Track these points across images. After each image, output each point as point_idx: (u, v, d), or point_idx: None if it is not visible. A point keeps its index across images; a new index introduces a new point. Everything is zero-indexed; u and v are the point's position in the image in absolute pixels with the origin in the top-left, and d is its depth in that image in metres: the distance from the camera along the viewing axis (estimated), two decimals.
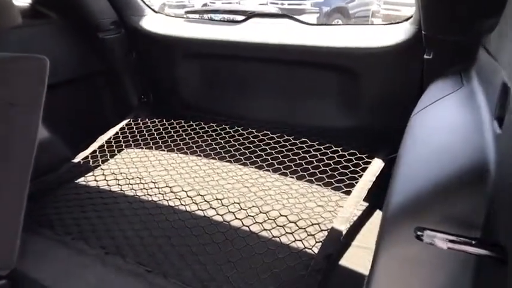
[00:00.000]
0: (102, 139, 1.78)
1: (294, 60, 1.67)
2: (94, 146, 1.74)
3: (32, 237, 1.23)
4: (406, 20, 1.51)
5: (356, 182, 1.39)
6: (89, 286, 1.06)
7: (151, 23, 1.91)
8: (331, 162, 1.49)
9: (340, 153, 1.53)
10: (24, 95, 1.01)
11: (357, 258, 1.17)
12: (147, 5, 1.99)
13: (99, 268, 1.11)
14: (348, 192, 1.35)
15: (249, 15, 1.81)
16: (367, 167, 1.46)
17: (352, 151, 1.53)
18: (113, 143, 1.77)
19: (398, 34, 1.44)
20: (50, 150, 1.66)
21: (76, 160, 1.67)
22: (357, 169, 1.45)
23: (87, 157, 1.69)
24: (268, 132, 1.69)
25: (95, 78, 1.94)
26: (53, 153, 1.67)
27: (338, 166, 1.47)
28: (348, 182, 1.40)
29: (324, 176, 1.44)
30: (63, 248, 1.20)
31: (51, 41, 1.74)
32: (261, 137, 1.69)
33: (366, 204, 1.36)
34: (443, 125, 0.86)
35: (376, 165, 1.46)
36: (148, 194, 1.47)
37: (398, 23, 1.55)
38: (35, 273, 1.10)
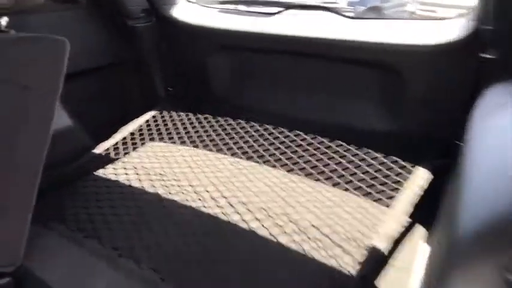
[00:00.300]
0: (125, 130, 1.70)
1: (333, 56, 1.54)
2: (117, 137, 1.66)
3: (42, 231, 1.15)
4: (461, 15, 1.35)
5: (398, 194, 1.24)
6: None
7: (184, 12, 1.81)
8: (369, 169, 1.35)
9: (380, 159, 1.38)
10: (40, 78, 0.92)
11: (398, 281, 1.02)
12: None
13: (111, 272, 1.01)
14: (389, 205, 1.21)
15: (286, 6, 1.69)
16: (410, 177, 1.30)
17: (394, 158, 1.38)
18: (136, 135, 1.68)
19: (451, 30, 1.28)
20: (71, 139, 1.58)
21: (97, 151, 1.59)
22: (399, 179, 1.30)
23: (108, 148, 1.60)
24: (301, 133, 1.56)
25: (122, 67, 1.86)
26: (74, 142, 1.59)
27: (378, 174, 1.32)
28: (389, 192, 1.25)
29: (361, 184, 1.29)
30: (74, 246, 1.11)
31: (78, 27, 1.66)
32: (293, 138, 1.56)
33: (407, 218, 1.21)
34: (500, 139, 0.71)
35: (421, 176, 1.31)
36: (169, 193, 1.36)
37: (451, 18, 1.40)
38: (42, 272, 1.01)
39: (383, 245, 1.05)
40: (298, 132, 1.57)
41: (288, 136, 1.56)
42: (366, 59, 1.48)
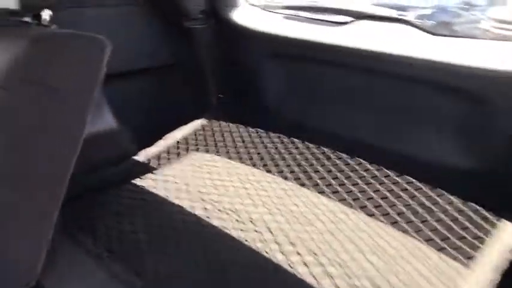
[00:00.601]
0: (170, 138, 1.59)
1: (408, 76, 1.33)
2: (161, 145, 1.55)
3: (66, 243, 1.05)
4: None
5: (479, 253, 1.01)
6: None
7: (245, 15, 1.68)
8: (444, 216, 1.13)
9: (458, 205, 1.16)
10: (73, 81, 0.81)
11: None
12: None
13: None
14: (468, 266, 0.98)
15: (357, 16, 1.50)
16: (495, 233, 1.07)
17: (474, 206, 1.15)
18: (181, 144, 1.57)
19: None
20: (112, 142, 1.49)
21: (139, 158, 1.49)
22: (481, 234, 1.07)
23: (151, 156, 1.50)
24: (363, 162, 1.36)
25: (174, 70, 1.76)
26: (115, 146, 1.50)
27: (454, 224, 1.10)
28: (468, 250, 1.02)
29: (433, 234, 1.08)
30: (97, 266, 1.00)
31: (131, 24, 1.58)
32: (354, 166, 1.36)
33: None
34: None
35: (509, 232, 1.07)
36: (208, 216, 1.22)
37: None
38: None
39: None
40: (360, 160, 1.37)
41: (348, 164, 1.37)
42: (449, 83, 1.26)
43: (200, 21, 1.69)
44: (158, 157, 1.50)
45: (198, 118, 1.72)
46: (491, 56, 1.19)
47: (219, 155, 1.53)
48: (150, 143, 1.57)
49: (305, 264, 0.99)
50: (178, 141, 1.58)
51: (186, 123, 1.68)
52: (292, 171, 1.40)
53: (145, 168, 1.44)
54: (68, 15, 1.36)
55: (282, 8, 1.77)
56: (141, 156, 1.50)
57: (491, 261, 0.98)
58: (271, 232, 1.11)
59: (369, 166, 1.35)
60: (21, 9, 0.79)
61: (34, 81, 0.76)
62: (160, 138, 1.59)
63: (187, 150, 1.55)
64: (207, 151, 1.56)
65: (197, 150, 1.56)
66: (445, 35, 1.41)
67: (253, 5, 1.79)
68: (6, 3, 0.79)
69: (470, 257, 1.00)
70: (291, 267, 0.98)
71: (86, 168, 1.39)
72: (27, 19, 0.91)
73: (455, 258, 1.00)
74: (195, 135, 1.62)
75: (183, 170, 1.46)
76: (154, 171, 1.43)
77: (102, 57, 0.82)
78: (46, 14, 0.87)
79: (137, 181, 1.38)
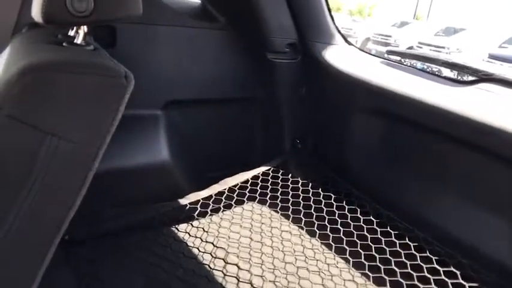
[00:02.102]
0: (226, 184, 1.39)
1: None
2: (213, 189, 1.37)
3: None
4: None
5: None
6: None
7: (339, 55, 1.45)
8: None
9: None
10: (86, 120, 0.65)
11: None
12: (340, 32, 1.53)
13: None
14: None
15: (482, 77, 1.19)
16: None
17: None
18: (236, 191, 1.37)
19: None
20: (165, 178, 1.36)
21: (186, 200, 1.32)
22: None
23: (198, 201, 1.32)
24: (447, 260, 1.04)
25: (247, 105, 1.58)
26: (164, 182, 1.36)
27: None
28: None
29: None
30: None
31: (208, 48, 1.44)
32: (430, 256, 1.05)
33: None
34: None
35: None
36: (246, 281, 1.02)
37: None
38: None
39: None
40: (441, 251, 1.05)
41: (423, 251, 1.07)
42: None
43: (286, 55, 1.50)
44: (206, 205, 1.32)
45: (265, 162, 1.51)
46: None
47: (276, 210, 1.32)
48: (205, 183, 1.40)
49: None
50: (233, 188, 1.39)
51: (250, 167, 1.48)
52: (354, 247, 1.12)
53: (189, 214, 1.27)
54: (141, 31, 1.26)
55: (386, 53, 1.51)
56: (190, 198, 1.33)
57: None
58: None
59: (447, 259, 1.02)
60: (45, 23, 0.65)
61: (36, 123, 0.61)
62: (218, 179, 1.42)
63: (242, 198, 1.36)
64: (264, 202, 1.35)
65: (254, 200, 1.36)
66: None
67: (350, 43, 1.55)
68: (35, 15, 0.67)
69: None
70: None
71: (130, 201, 1.27)
72: (60, 36, 0.78)
73: None
74: (255, 182, 1.42)
75: (231, 221, 1.27)
76: (197, 219, 1.26)
77: (123, 96, 0.66)
78: (82, 31, 0.73)
79: (175, 227, 1.22)
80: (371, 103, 1.33)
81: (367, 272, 1.07)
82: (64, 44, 0.75)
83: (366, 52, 1.53)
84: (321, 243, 1.20)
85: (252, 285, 1.03)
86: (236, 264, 1.10)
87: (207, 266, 1.09)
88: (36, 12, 0.67)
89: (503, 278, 1.00)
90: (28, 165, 0.63)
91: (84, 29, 0.75)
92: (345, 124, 1.43)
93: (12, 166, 0.63)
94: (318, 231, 1.22)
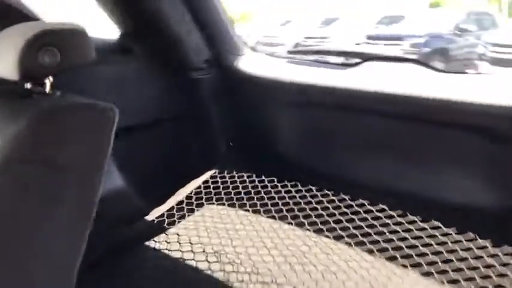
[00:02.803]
0: (182, 193, 1.56)
1: (424, 117, 1.32)
2: (172, 202, 1.53)
3: None
4: None
5: None
6: None
7: (249, 63, 1.70)
8: (478, 262, 1.09)
9: (491, 250, 1.12)
10: (82, 155, 0.79)
11: None
12: (245, 43, 1.79)
13: None
14: None
15: (365, 58, 1.52)
16: None
17: (508, 249, 1.12)
18: (193, 198, 1.55)
19: None
20: (122, 203, 1.47)
21: (150, 217, 1.46)
22: None
23: (162, 214, 1.47)
24: (385, 208, 1.34)
25: (179, 122, 1.76)
26: (126, 207, 1.48)
27: (490, 270, 1.07)
28: None
29: (470, 283, 1.04)
30: None
31: (132, 80, 1.59)
32: (376, 214, 1.34)
33: None
34: None
35: None
36: (226, 271, 1.20)
37: None
38: None
39: None
40: (383, 206, 1.35)
41: (369, 211, 1.35)
42: (466, 123, 1.25)
43: (204, 70, 1.70)
44: (171, 215, 1.47)
45: (209, 169, 1.70)
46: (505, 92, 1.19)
47: (234, 205, 1.51)
48: (162, 198, 1.55)
49: None
50: (190, 196, 1.56)
51: (197, 174, 1.66)
52: (312, 221, 1.37)
53: (158, 228, 1.41)
54: (67, 78, 1.36)
55: (287, 53, 1.79)
56: (154, 215, 1.47)
57: None
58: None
59: (392, 213, 1.32)
60: (20, 79, 0.77)
61: (38, 160, 0.74)
62: (172, 191, 1.57)
63: (200, 202, 1.53)
64: (220, 202, 1.54)
65: (210, 202, 1.54)
66: (455, 72, 1.43)
67: (256, 51, 1.81)
68: (5, 74, 0.78)
69: None
70: None
71: (99, 230, 1.36)
72: (28, 86, 0.88)
73: None
74: (207, 187, 1.60)
75: (196, 227, 1.43)
76: (167, 232, 1.41)
77: (112, 127, 0.81)
78: (48, 81, 0.86)
79: (151, 243, 1.35)
80: (284, 97, 1.60)
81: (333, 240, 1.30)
82: (34, 95, 0.86)
83: (272, 56, 1.80)
84: (284, 229, 1.41)
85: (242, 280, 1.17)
86: (218, 262, 1.24)
87: (191, 271, 1.21)
88: (7, 70, 0.77)
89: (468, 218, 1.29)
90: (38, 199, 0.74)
91: (50, 79, 0.87)
92: (267, 120, 1.68)
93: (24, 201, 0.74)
94: (277, 217, 1.43)
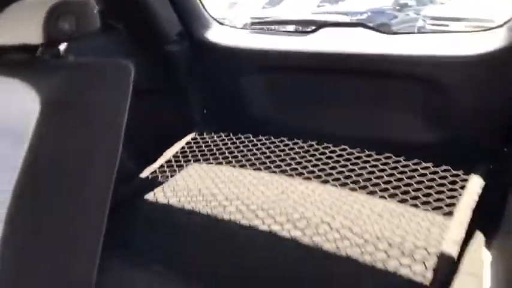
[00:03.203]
0: (169, 153, 1.75)
1: (371, 71, 1.59)
2: (161, 161, 1.71)
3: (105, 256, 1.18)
4: (500, 26, 1.41)
5: (456, 201, 1.27)
6: None
7: (218, 34, 1.89)
8: (424, 179, 1.39)
9: (432, 169, 1.42)
10: (104, 109, 0.95)
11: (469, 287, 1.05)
12: (212, 17, 1.97)
13: None
14: (449, 213, 1.24)
15: (320, 25, 1.76)
16: (465, 185, 1.34)
17: (445, 167, 1.42)
18: (180, 158, 1.73)
19: (491, 41, 1.34)
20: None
21: (143, 175, 1.64)
22: (455, 187, 1.34)
23: (155, 171, 1.65)
24: (347, 148, 1.60)
25: (158, 92, 1.92)
26: (119, 168, 1.64)
27: (432, 184, 1.36)
28: (447, 201, 1.28)
29: (418, 194, 1.33)
30: (141, 271, 1.14)
31: (114, 53, 1.73)
32: (340, 153, 1.60)
33: (469, 225, 1.24)
34: None
35: (476, 183, 1.34)
36: (224, 213, 1.40)
37: (490, 29, 1.46)
38: None
39: (453, 252, 1.08)
40: (344, 146, 1.61)
41: (334, 151, 1.61)
42: (405, 72, 1.53)
43: (178, 43, 1.88)
44: (163, 172, 1.65)
45: (189, 133, 1.89)
46: (444, 45, 1.47)
47: (219, 163, 1.72)
48: (150, 162, 1.72)
49: (319, 234, 1.20)
50: (176, 156, 1.74)
51: (179, 138, 1.84)
52: (290, 167, 1.61)
53: (154, 183, 1.59)
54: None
55: (250, 24, 2.00)
56: (146, 173, 1.64)
57: (466, 206, 1.24)
58: (283, 213, 1.31)
59: (352, 150, 1.60)
60: (42, 43, 0.88)
61: (66, 114, 0.88)
62: (159, 153, 1.75)
63: (187, 162, 1.72)
64: (206, 160, 1.74)
65: (197, 161, 1.74)
66: (395, 33, 1.70)
67: (222, 24, 2.01)
68: (29, 39, 0.88)
69: (449, 205, 1.26)
70: (309, 237, 1.18)
71: None
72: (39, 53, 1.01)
73: (438, 209, 1.25)
74: (191, 148, 1.79)
75: (189, 180, 1.63)
76: (162, 185, 1.59)
77: (129, 82, 0.96)
78: (63, 46, 1.00)
79: (149, 196, 1.53)
80: (250, 63, 1.81)
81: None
82: (52, 59, 1.01)
83: (237, 28, 2.00)
84: (261, 173, 1.63)
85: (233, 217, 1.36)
86: (210, 207, 1.41)
87: (189, 216, 1.37)
88: (32, 35, 0.91)
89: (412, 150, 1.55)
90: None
91: (64, 45, 1.02)
92: (236, 85, 1.88)
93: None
94: (261, 168, 1.64)
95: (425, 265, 1.05)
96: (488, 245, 1.18)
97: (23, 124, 0.86)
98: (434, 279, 1.01)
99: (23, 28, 0.92)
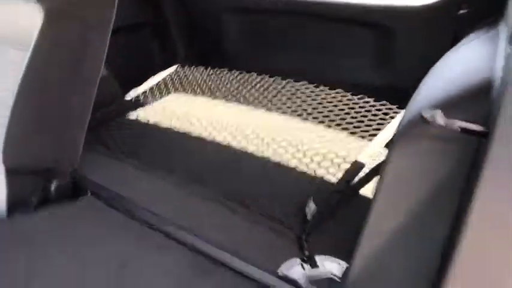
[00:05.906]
0: (152, 81, 2.04)
1: (333, 17, 1.84)
2: (144, 87, 2.00)
3: (90, 147, 1.42)
4: None
5: (385, 129, 1.57)
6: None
7: None
8: (362, 110, 1.67)
9: (372, 103, 1.71)
10: (96, 15, 1.22)
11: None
12: None
13: (151, 178, 1.38)
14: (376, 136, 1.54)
15: None
16: (396, 116, 1.63)
17: (383, 102, 1.70)
18: (162, 86, 2.02)
19: None
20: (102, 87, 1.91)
21: (128, 97, 1.94)
22: (387, 118, 1.63)
23: (138, 96, 1.95)
24: (307, 83, 1.89)
25: (142, 28, 2.18)
26: (103, 91, 1.91)
27: (369, 114, 1.65)
28: (376, 126, 1.58)
29: (353, 122, 1.63)
30: (117, 162, 1.47)
31: None
32: (299, 87, 1.89)
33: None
34: (456, 58, 1.02)
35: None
36: (206, 130, 1.71)
37: None
38: (93, 176, 1.36)
39: (366, 160, 1.38)
40: (305, 82, 1.90)
41: (294, 86, 1.91)
42: (359, 20, 1.77)
43: None
44: (146, 97, 1.95)
45: (172, 64, 2.18)
46: None
47: (199, 92, 2.01)
48: (133, 88, 2.01)
49: (267, 144, 1.51)
50: (159, 84, 2.04)
51: (161, 68, 2.14)
52: (257, 100, 1.91)
53: (138, 104, 1.90)
54: None
55: None
56: (131, 95, 1.95)
57: (387, 133, 1.53)
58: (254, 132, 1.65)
59: (309, 85, 1.88)
60: None
61: (62, 14, 1.16)
62: (142, 80, 2.04)
63: (169, 91, 2.01)
64: (186, 90, 2.03)
65: (178, 90, 2.03)
66: None
67: None
68: None
69: (378, 129, 1.56)
70: (273, 151, 1.50)
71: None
72: None
73: (367, 132, 1.55)
74: (172, 79, 2.08)
75: (172, 104, 1.92)
76: (146, 106, 1.89)
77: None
78: None
79: (133, 114, 1.84)
80: (226, 3, 2.06)
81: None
82: None
83: None
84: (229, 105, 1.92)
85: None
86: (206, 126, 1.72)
87: (170, 133, 1.68)
88: None
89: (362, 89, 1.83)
90: None
91: None
92: (213, 25, 2.13)
93: None
94: (233, 99, 1.93)
95: (339, 168, 1.36)
96: None
97: (29, 32, 1.15)
98: (341, 178, 1.32)
99: None
